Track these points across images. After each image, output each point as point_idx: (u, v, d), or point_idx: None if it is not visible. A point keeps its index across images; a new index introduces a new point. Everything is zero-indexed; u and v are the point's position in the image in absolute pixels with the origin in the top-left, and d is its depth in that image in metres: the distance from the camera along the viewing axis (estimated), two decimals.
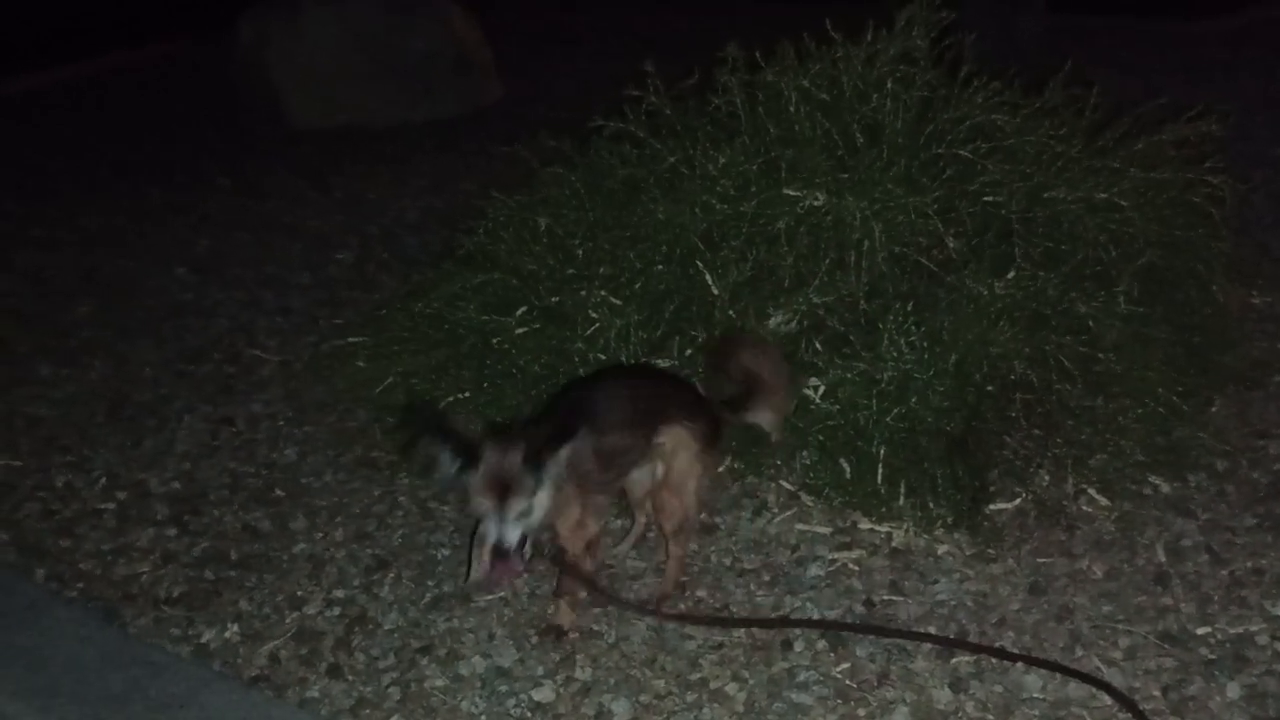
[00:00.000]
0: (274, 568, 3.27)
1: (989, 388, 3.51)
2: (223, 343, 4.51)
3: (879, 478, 3.34)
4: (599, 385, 2.99)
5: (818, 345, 3.61)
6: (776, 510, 3.40)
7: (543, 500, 2.62)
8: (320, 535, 3.39)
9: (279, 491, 3.61)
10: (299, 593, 3.16)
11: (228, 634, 3.02)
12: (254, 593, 3.17)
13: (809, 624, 2.94)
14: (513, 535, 2.59)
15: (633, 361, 3.60)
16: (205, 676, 2.86)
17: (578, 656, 2.88)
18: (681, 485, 2.97)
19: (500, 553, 2.59)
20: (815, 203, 3.65)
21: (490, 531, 2.60)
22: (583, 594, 2.94)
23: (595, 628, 2.98)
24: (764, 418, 3.18)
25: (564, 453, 2.60)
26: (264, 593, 3.16)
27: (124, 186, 6.04)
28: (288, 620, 3.05)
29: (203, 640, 3.00)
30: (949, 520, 3.25)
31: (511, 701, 2.75)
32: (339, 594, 3.15)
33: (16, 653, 2.93)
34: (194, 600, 3.14)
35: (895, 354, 3.45)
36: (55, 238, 5.47)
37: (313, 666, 2.90)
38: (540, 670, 2.85)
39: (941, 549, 3.20)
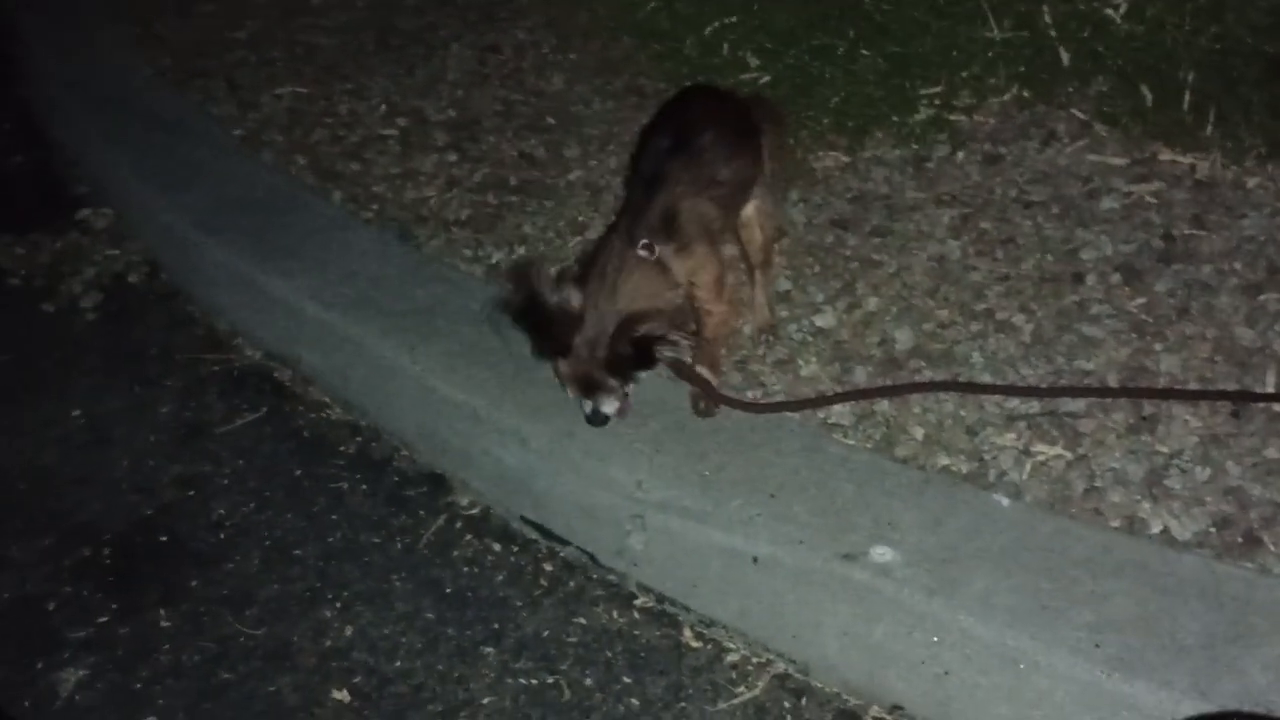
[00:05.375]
0: (552, 194, 3.34)
1: None
2: None
3: (1185, 104, 3.10)
4: (690, 118, 2.56)
5: None
6: (1067, 140, 3.20)
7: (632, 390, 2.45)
8: (594, 163, 3.43)
9: (550, 119, 3.63)
10: (579, 218, 3.23)
11: (514, 256, 3.13)
12: (535, 217, 3.26)
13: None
14: (608, 409, 2.44)
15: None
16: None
17: (858, 285, 2.88)
18: (775, 191, 2.71)
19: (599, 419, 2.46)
20: None
21: (584, 406, 2.45)
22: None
23: (875, 257, 2.96)
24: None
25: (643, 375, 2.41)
26: (545, 217, 3.25)
27: None
28: (571, 244, 3.14)
29: (492, 261, 3.12)
30: (1263, 150, 3.00)
31: (794, 327, 2.79)
32: None
33: (325, 266, 3.09)
34: (480, 223, 3.26)
35: None
36: None
37: None
38: (821, 297, 2.86)
39: (1252, 181, 2.98)
